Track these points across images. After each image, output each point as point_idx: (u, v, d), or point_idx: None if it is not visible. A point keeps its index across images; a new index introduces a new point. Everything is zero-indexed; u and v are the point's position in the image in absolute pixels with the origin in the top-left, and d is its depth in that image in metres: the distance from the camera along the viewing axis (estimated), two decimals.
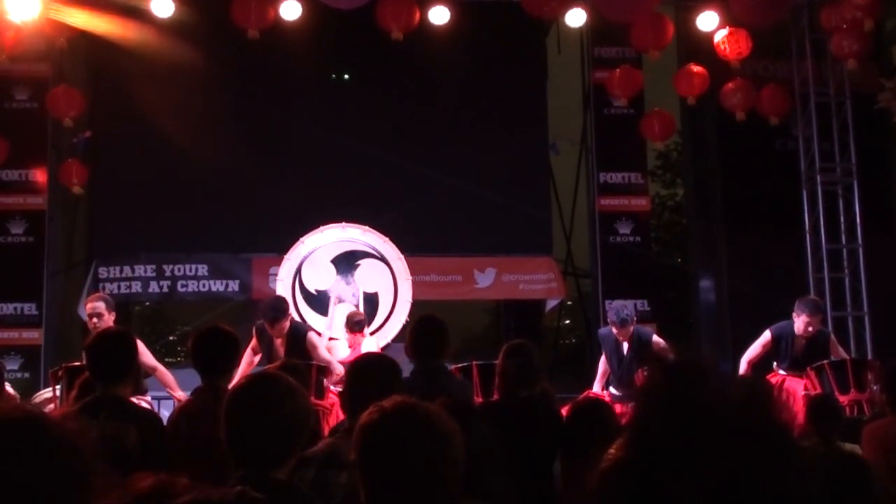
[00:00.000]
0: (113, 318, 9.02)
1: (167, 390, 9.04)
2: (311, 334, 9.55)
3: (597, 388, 10.31)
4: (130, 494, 1.52)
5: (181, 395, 8.79)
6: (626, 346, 10.00)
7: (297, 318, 10.43)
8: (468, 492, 2.79)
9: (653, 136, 14.20)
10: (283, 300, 9.80)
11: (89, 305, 9.01)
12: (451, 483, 2.59)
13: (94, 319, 8.85)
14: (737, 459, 1.19)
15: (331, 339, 10.91)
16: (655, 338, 10.15)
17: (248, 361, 9.27)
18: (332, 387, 8.92)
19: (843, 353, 9.99)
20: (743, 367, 9.76)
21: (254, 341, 9.36)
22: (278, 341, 9.25)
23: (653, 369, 1.33)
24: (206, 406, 4.79)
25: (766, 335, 9.75)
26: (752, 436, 1.21)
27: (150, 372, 9.03)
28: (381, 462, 2.57)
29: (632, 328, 9.95)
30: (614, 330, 9.98)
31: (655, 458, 1.21)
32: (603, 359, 10.32)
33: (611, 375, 10.25)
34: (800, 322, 9.60)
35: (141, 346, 8.76)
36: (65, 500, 1.33)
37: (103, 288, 13.26)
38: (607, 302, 14.33)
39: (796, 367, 9.66)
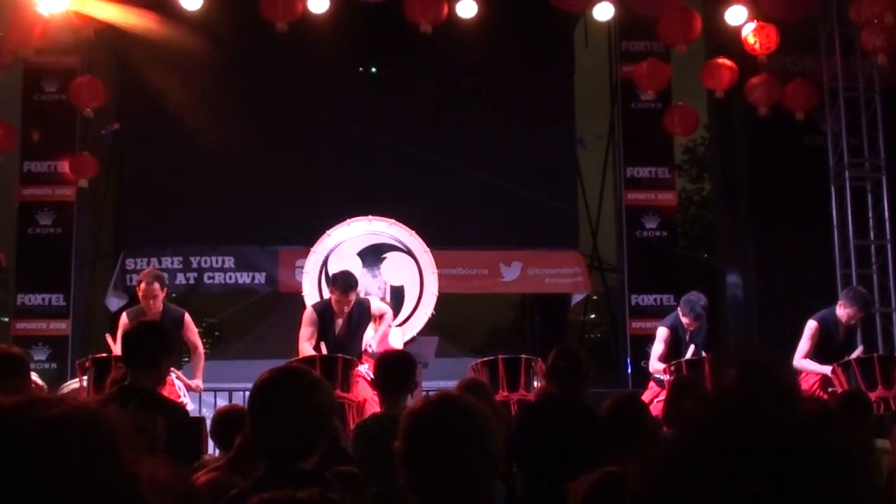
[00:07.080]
0: (165, 293, 9.09)
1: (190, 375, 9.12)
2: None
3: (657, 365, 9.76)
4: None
5: (196, 383, 8.92)
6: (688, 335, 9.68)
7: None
8: None
9: (675, 131, 14.14)
10: (353, 274, 9.62)
11: (144, 287, 8.93)
12: (489, 473, 2.67)
13: (151, 301, 8.88)
14: (807, 476, 1.12)
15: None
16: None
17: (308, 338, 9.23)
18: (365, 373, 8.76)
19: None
20: (799, 364, 9.42)
21: (308, 322, 9.29)
22: (339, 321, 9.22)
23: (726, 370, 1.25)
24: None
25: (812, 324, 9.54)
26: (828, 453, 1.13)
27: (192, 348, 9.21)
28: (424, 449, 2.63)
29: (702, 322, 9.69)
30: (685, 321, 9.66)
31: (713, 462, 1.14)
32: (666, 338, 9.84)
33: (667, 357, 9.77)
34: (843, 313, 9.49)
35: (189, 320, 8.93)
36: (115, 495, 1.32)
37: (130, 279, 13.36)
38: (633, 296, 14.33)
39: (831, 359, 9.55)
